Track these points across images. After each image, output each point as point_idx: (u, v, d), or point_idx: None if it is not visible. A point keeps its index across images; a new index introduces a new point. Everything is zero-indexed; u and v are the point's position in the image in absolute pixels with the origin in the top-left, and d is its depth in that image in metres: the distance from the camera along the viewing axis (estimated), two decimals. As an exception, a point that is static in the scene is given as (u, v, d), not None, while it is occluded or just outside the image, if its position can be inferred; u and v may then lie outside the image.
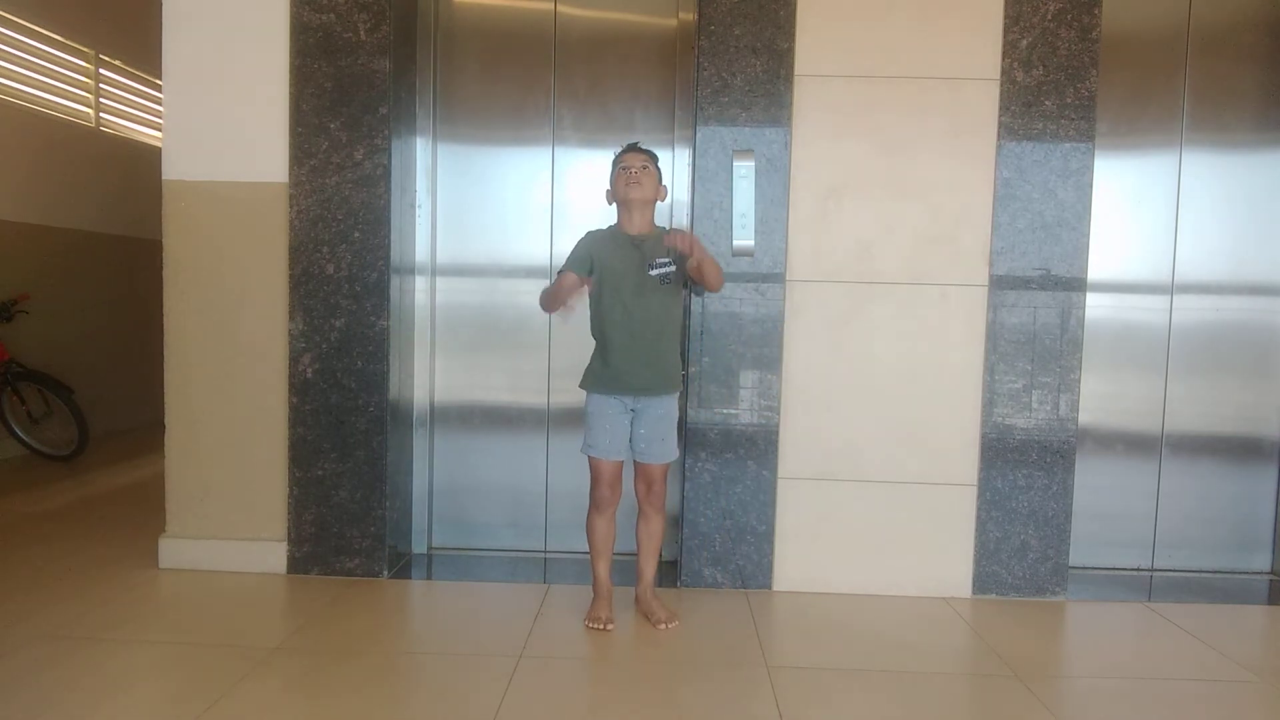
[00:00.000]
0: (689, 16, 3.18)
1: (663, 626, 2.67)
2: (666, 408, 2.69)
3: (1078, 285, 3.02)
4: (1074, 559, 3.15)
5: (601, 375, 2.67)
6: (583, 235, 2.71)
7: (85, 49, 5.52)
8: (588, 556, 2.76)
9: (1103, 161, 3.16)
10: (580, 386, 2.72)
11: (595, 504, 2.71)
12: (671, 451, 2.72)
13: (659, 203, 2.71)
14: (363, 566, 3.09)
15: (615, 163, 2.68)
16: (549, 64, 3.34)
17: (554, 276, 2.67)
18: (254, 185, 3.05)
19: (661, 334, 2.65)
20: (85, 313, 5.54)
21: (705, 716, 2.17)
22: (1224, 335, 3.38)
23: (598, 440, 2.66)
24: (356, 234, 3.04)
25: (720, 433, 3.06)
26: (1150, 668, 2.55)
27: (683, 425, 3.10)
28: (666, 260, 2.59)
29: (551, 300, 2.59)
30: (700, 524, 3.07)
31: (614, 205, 2.70)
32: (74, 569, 3.07)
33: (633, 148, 2.69)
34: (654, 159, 2.68)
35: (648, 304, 2.61)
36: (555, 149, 3.36)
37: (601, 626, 2.66)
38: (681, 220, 3.23)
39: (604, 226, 2.72)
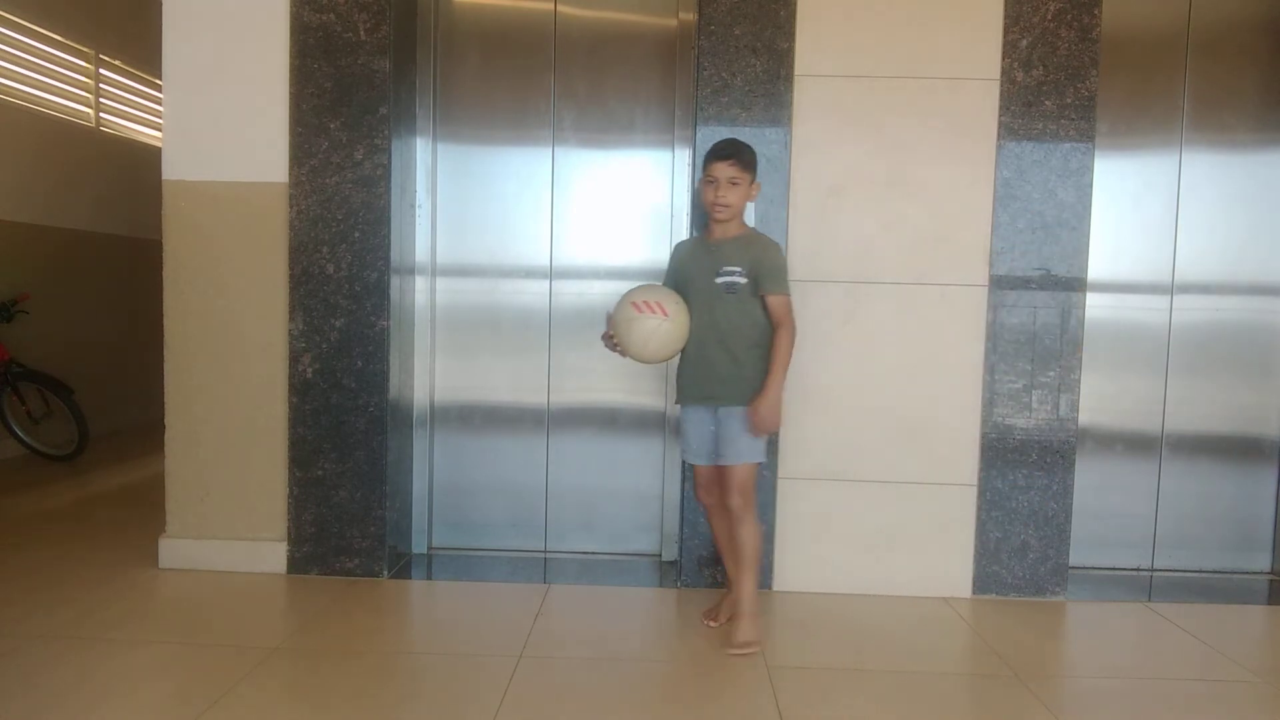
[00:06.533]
0: (689, 16, 3.18)
1: (731, 651, 2.51)
2: (728, 414, 2.57)
3: (1078, 285, 3.02)
4: (1074, 559, 3.15)
5: (677, 382, 2.69)
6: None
7: (85, 49, 5.52)
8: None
9: (1103, 161, 3.16)
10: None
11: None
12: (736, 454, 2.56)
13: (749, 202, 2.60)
14: (362, 566, 3.09)
15: (704, 165, 2.56)
16: (549, 64, 3.34)
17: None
18: (254, 185, 3.05)
19: (723, 343, 2.55)
20: (85, 313, 5.54)
21: (705, 716, 2.17)
22: (1224, 335, 3.37)
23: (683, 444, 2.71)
24: (356, 234, 3.04)
25: (720, 433, 3.05)
26: (1150, 668, 2.55)
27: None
28: (735, 269, 2.53)
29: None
30: (700, 524, 3.07)
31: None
32: (74, 569, 3.07)
33: (722, 154, 2.52)
34: (745, 164, 2.53)
35: (714, 311, 2.55)
36: (555, 149, 3.36)
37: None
38: (681, 220, 3.23)
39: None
